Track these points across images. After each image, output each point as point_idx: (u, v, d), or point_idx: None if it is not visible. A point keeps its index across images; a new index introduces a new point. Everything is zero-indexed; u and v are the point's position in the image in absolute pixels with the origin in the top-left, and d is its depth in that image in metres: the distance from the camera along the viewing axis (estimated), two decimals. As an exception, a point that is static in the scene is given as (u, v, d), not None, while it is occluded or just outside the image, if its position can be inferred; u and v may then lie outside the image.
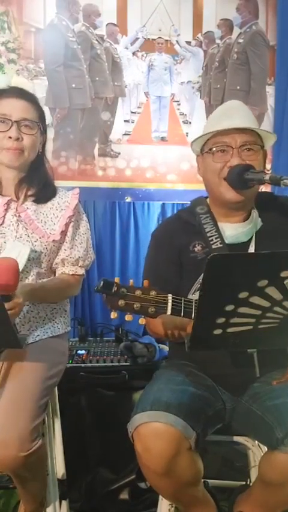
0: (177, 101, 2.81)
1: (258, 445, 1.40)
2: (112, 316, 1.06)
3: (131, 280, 1.07)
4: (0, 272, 1.15)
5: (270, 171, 2.63)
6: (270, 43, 2.78)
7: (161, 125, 2.78)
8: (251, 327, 1.04)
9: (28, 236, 1.47)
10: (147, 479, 1.24)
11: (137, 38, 2.71)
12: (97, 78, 2.68)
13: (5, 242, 1.45)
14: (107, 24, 2.67)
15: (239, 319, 1.01)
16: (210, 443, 1.40)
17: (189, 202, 1.52)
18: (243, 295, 0.97)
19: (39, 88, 2.59)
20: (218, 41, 2.76)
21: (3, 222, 1.47)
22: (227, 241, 1.37)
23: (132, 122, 2.76)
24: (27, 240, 1.46)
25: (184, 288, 1.35)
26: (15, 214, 1.48)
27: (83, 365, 1.97)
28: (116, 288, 1.03)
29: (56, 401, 1.61)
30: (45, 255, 1.50)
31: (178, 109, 2.80)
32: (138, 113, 2.77)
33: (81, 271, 1.58)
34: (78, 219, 1.58)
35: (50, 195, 1.55)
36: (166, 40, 2.73)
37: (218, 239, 1.36)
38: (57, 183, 1.62)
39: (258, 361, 1.31)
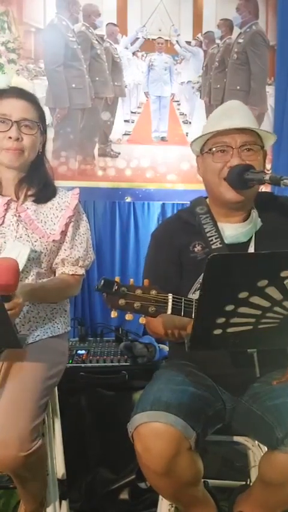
0: (177, 101, 2.81)
1: (258, 445, 1.40)
2: (112, 316, 1.06)
3: (131, 280, 1.07)
4: (0, 272, 1.15)
5: (270, 171, 2.65)
6: (270, 43, 2.78)
7: (161, 125, 2.78)
8: (251, 327, 1.04)
9: (28, 236, 1.47)
10: (147, 479, 1.24)
11: (137, 38, 2.71)
12: (97, 78, 2.68)
13: (5, 242, 1.45)
14: (107, 24, 2.67)
15: (239, 319, 1.01)
16: (210, 443, 1.41)
17: (189, 203, 1.52)
18: (243, 295, 0.97)
19: (39, 88, 2.59)
20: (218, 41, 2.76)
21: (3, 222, 1.47)
22: (226, 242, 1.37)
23: (132, 122, 2.76)
24: (27, 240, 1.47)
25: (184, 287, 1.36)
26: (15, 214, 1.48)
27: (83, 365, 1.97)
28: (116, 287, 1.03)
29: (56, 401, 1.61)
30: (45, 255, 1.50)
31: (178, 109, 2.80)
32: (138, 113, 2.77)
33: (81, 271, 1.58)
34: (78, 219, 1.58)
35: (50, 195, 1.55)
36: (166, 40, 2.73)
37: (218, 239, 1.36)
38: (57, 183, 1.62)
39: (258, 361, 1.31)
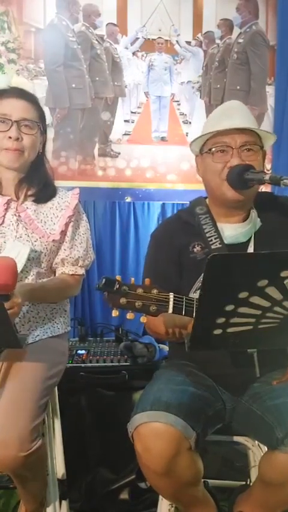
0: (177, 101, 2.81)
1: (258, 445, 1.40)
2: (113, 314, 1.06)
3: (132, 278, 1.07)
4: (-2, 272, 1.15)
5: (270, 171, 2.65)
6: (270, 43, 2.78)
7: (161, 125, 2.78)
8: (251, 327, 1.04)
9: (28, 236, 1.47)
10: (147, 479, 1.24)
11: (137, 38, 2.71)
12: (97, 78, 2.68)
13: (4, 242, 1.45)
14: (107, 24, 2.67)
15: (239, 319, 1.01)
16: (210, 443, 1.40)
17: (189, 203, 1.52)
18: (243, 295, 0.97)
19: (39, 88, 2.59)
20: (218, 41, 2.76)
21: (3, 221, 1.47)
22: (226, 242, 1.37)
23: (132, 122, 2.76)
24: (27, 240, 1.47)
25: (184, 287, 1.36)
26: (15, 214, 1.48)
27: (83, 365, 1.97)
28: (117, 286, 1.03)
29: (56, 401, 1.61)
30: (45, 255, 1.50)
31: (178, 109, 2.80)
32: (138, 113, 2.77)
33: (81, 271, 1.58)
34: (78, 219, 1.58)
35: (50, 195, 1.55)
36: (166, 40, 2.73)
37: (217, 239, 1.36)
38: (57, 183, 1.62)
39: (258, 361, 1.31)
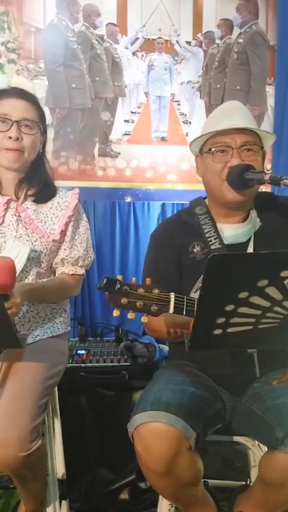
0: (177, 101, 2.81)
1: (258, 445, 1.40)
2: (114, 314, 1.06)
3: (133, 278, 1.07)
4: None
5: (270, 171, 2.65)
6: (270, 43, 2.78)
7: (161, 125, 2.78)
8: (251, 327, 1.04)
9: (28, 236, 1.47)
10: (147, 479, 1.24)
11: (137, 38, 2.71)
12: (97, 78, 2.68)
13: (4, 242, 1.45)
14: (107, 24, 2.67)
15: (239, 319, 1.01)
16: (210, 443, 1.41)
17: (188, 203, 1.52)
18: (243, 295, 0.97)
19: (39, 88, 2.59)
20: (218, 41, 2.76)
21: (3, 221, 1.47)
22: (225, 242, 1.37)
23: (132, 122, 2.76)
24: (27, 240, 1.47)
25: (184, 288, 1.35)
26: (15, 213, 1.48)
27: (83, 365, 1.97)
28: (119, 286, 1.03)
29: (56, 401, 1.61)
30: (45, 255, 1.50)
31: (178, 109, 2.80)
32: (138, 113, 2.77)
33: (81, 271, 1.58)
34: (78, 219, 1.58)
35: (50, 195, 1.55)
36: (166, 40, 2.73)
37: (217, 240, 1.36)
38: (57, 183, 1.62)
39: (259, 361, 1.31)
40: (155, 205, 2.73)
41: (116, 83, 2.71)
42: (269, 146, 1.45)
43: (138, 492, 1.83)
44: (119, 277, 1.05)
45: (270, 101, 2.81)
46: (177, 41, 2.74)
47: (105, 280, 1.03)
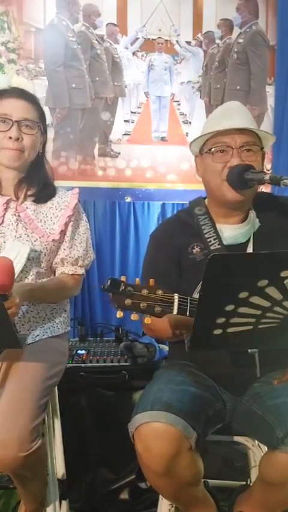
0: (177, 101, 2.81)
1: (259, 445, 1.40)
2: (118, 316, 1.06)
3: (137, 279, 1.07)
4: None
5: (270, 171, 2.65)
6: (270, 43, 2.78)
7: (161, 125, 2.78)
8: (251, 327, 1.04)
9: (28, 236, 1.47)
10: (148, 479, 1.24)
11: (137, 38, 2.71)
12: (97, 78, 2.68)
13: (4, 242, 1.45)
14: (107, 24, 2.67)
15: (239, 319, 1.01)
16: (210, 443, 1.41)
17: (188, 203, 1.52)
18: (243, 295, 0.97)
19: (39, 88, 2.59)
20: (218, 41, 2.76)
21: (2, 221, 1.47)
22: (225, 243, 1.37)
23: (132, 122, 2.76)
24: (26, 240, 1.47)
25: (184, 288, 1.35)
26: (14, 213, 1.48)
27: (83, 365, 1.97)
28: (123, 287, 1.03)
29: (56, 401, 1.61)
30: (45, 255, 1.50)
31: (178, 109, 2.81)
32: (138, 113, 2.77)
33: (81, 271, 1.58)
34: (78, 219, 1.58)
35: (50, 195, 1.55)
36: (166, 40, 2.73)
37: (216, 240, 1.36)
38: (57, 183, 1.62)
39: (260, 361, 1.31)
40: (155, 205, 2.73)
41: (116, 83, 2.71)
42: (269, 147, 1.45)
43: (138, 492, 1.83)
44: (123, 278, 1.05)
45: (270, 101, 2.81)
46: (177, 41, 2.74)
47: (109, 281, 1.03)
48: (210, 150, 1.36)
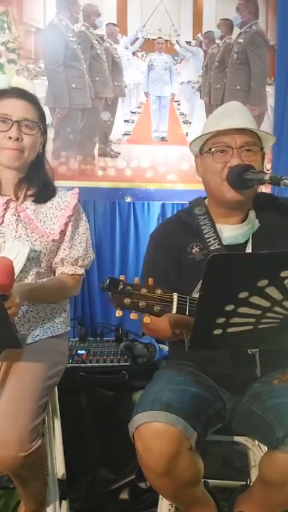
0: (177, 101, 2.81)
1: (258, 445, 1.40)
2: (117, 315, 1.06)
3: (136, 279, 1.07)
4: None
5: (270, 171, 2.65)
6: (270, 43, 2.78)
7: (161, 125, 2.78)
8: (251, 327, 1.04)
9: (27, 236, 1.47)
10: (148, 479, 1.24)
11: (137, 38, 2.71)
12: (97, 78, 2.68)
13: (4, 242, 1.45)
14: (107, 24, 2.67)
15: (239, 319, 1.01)
16: (210, 443, 1.41)
17: (188, 203, 1.52)
18: (243, 295, 0.97)
19: (39, 88, 2.59)
20: (218, 41, 2.76)
21: (2, 221, 1.47)
22: (224, 243, 1.37)
23: (132, 122, 2.76)
24: (26, 240, 1.47)
25: (183, 288, 1.35)
26: (14, 213, 1.48)
27: (83, 365, 1.97)
28: (122, 286, 1.03)
29: (56, 401, 1.61)
30: (45, 255, 1.50)
31: (178, 109, 2.81)
32: (138, 113, 2.77)
33: (81, 271, 1.58)
34: (78, 219, 1.58)
35: (50, 195, 1.55)
36: (166, 40, 2.73)
37: (216, 240, 1.36)
38: (57, 183, 1.62)
39: (260, 361, 1.31)
40: (155, 205, 2.74)
41: (116, 83, 2.71)
42: (269, 147, 1.45)
43: (138, 492, 1.83)
44: (122, 277, 1.05)
45: (270, 101, 2.81)
46: (177, 41, 2.74)
47: (108, 280, 1.03)
48: (210, 150, 1.36)
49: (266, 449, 1.23)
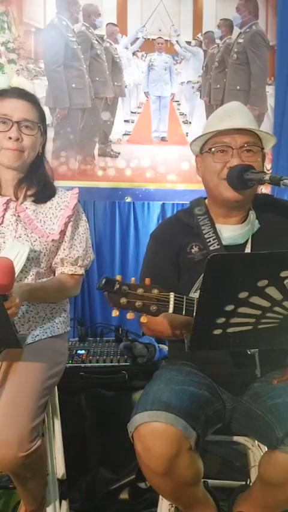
0: (177, 101, 2.81)
1: (258, 445, 1.40)
2: (114, 314, 1.06)
3: (133, 278, 1.07)
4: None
5: (270, 171, 2.65)
6: (270, 43, 2.78)
7: (161, 125, 2.78)
8: (251, 327, 1.04)
9: (27, 236, 1.47)
10: (147, 479, 1.24)
11: (137, 38, 2.71)
12: (97, 78, 2.67)
13: (4, 242, 1.45)
14: (107, 24, 2.67)
15: (239, 319, 1.01)
16: (210, 443, 1.41)
17: (189, 203, 1.52)
18: (243, 295, 0.97)
19: (39, 88, 2.59)
20: (218, 41, 2.76)
21: (2, 221, 1.47)
22: (224, 243, 1.37)
23: (132, 122, 2.76)
24: (26, 240, 1.47)
25: (183, 288, 1.35)
26: (14, 214, 1.48)
27: (83, 365, 1.97)
28: (118, 286, 1.03)
29: (56, 401, 1.61)
30: (45, 255, 1.50)
31: (178, 109, 2.80)
32: (138, 113, 2.77)
33: (81, 271, 1.58)
34: (78, 219, 1.58)
35: (50, 195, 1.55)
36: (166, 40, 2.73)
37: (216, 240, 1.37)
38: (57, 183, 1.63)
39: (259, 361, 1.31)
40: (155, 205, 2.73)
41: (116, 83, 2.71)
42: (270, 148, 1.45)
43: (138, 492, 1.83)
44: (118, 277, 1.05)
45: (270, 101, 2.80)
46: (177, 41, 2.74)
47: (104, 280, 1.03)
48: (210, 149, 1.36)
49: (266, 449, 1.23)
